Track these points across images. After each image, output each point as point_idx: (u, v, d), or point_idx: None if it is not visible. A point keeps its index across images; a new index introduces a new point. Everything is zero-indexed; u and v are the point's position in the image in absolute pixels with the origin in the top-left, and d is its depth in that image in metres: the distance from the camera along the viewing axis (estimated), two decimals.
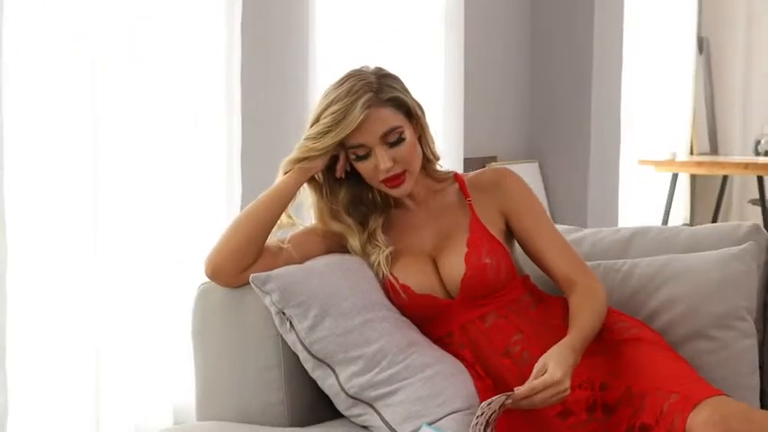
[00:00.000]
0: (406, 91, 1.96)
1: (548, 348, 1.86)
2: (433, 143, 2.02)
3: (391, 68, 3.31)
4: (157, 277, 2.79)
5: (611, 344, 1.90)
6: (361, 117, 1.87)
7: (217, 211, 2.93)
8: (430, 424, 1.77)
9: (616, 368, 1.84)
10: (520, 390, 1.70)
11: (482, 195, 2.03)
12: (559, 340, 1.87)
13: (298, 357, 1.92)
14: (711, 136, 7.90)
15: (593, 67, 4.91)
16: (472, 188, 2.04)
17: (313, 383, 1.94)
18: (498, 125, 4.71)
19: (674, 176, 6.81)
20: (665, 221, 6.60)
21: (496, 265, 1.95)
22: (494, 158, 4.73)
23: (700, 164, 6.74)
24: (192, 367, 2.82)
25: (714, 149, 7.85)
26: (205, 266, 1.96)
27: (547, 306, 2.00)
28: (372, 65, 1.99)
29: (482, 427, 1.66)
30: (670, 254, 2.15)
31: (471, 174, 2.09)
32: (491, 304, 1.95)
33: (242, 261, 1.93)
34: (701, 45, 7.83)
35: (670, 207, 6.78)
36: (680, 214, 7.27)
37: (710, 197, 7.66)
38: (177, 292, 2.84)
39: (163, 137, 2.76)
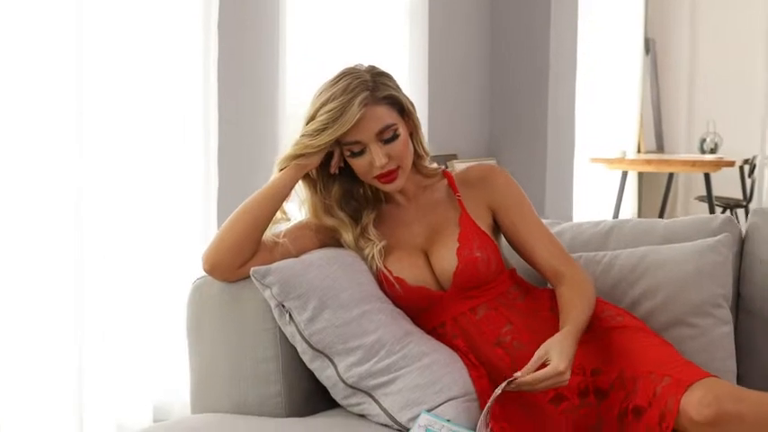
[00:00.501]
0: (399, 89, 2.02)
1: (537, 337, 1.93)
2: (424, 139, 2.08)
3: (358, 58, 3.39)
4: (137, 276, 2.80)
5: (599, 332, 1.97)
6: (358, 115, 1.92)
7: (194, 209, 2.96)
8: (428, 411, 1.82)
9: (606, 354, 1.92)
10: (524, 378, 1.77)
11: (470, 191, 2.10)
12: (548, 329, 1.95)
13: (295, 350, 1.97)
14: (658, 134, 8.07)
15: (549, 68, 5.01)
16: (461, 184, 2.11)
17: (309, 375, 1.99)
18: (458, 124, 4.79)
19: (624, 174, 6.96)
20: (616, 217, 6.75)
21: (487, 259, 2.01)
22: (454, 156, 4.81)
23: (649, 161, 6.89)
24: (175, 363, 2.90)
25: (660, 148, 8.03)
26: (203, 262, 1.99)
27: (534, 297, 2.07)
28: (366, 63, 2.03)
29: (487, 416, 1.73)
30: (648, 245, 2.24)
31: (459, 170, 2.15)
32: (481, 296, 2.01)
33: (240, 256, 1.97)
34: (648, 46, 8.00)
35: (620, 203, 6.93)
36: (629, 210, 7.44)
37: (657, 194, 7.84)
38: (157, 289, 2.86)
39: (143, 136, 2.78)
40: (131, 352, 2.78)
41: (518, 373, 1.78)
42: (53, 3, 2.48)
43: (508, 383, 1.76)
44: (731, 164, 6.65)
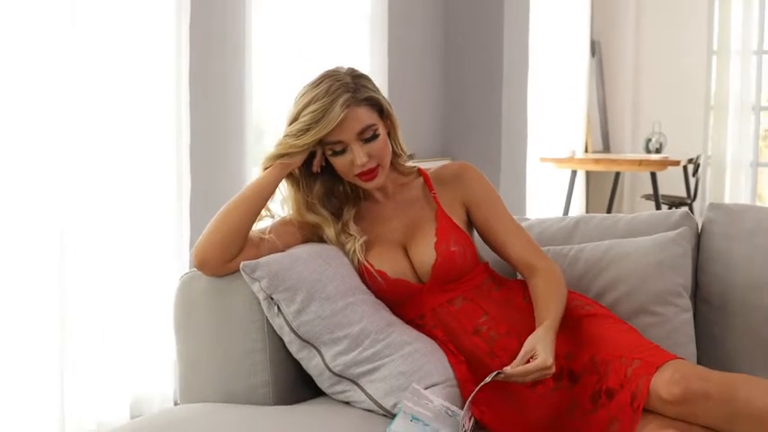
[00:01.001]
0: (378, 90, 2.12)
1: (512, 326, 2.06)
2: (402, 139, 2.18)
3: (319, 72, 3.51)
4: (113, 274, 2.86)
5: (570, 320, 2.09)
6: (341, 116, 2.01)
7: (168, 207, 3.03)
8: (417, 386, 1.91)
9: (578, 340, 2.04)
10: (513, 369, 1.88)
11: (445, 188, 2.20)
12: (522, 318, 2.07)
13: (281, 341, 2.05)
14: (604, 135, 8.27)
15: (502, 72, 5.15)
16: (436, 182, 2.21)
17: (296, 365, 2.08)
18: (416, 125, 4.90)
19: (573, 173, 7.13)
20: (566, 214, 6.91)
21: (463, 253, 2.12)
22: (411, 156, 4.91)
23: (598, 161, 7.07)
24: (151, 359, 2.96)
25: (607, 148, 8.23)
26: (193, 257, 2.07)
27: (507, 289, 2.18)
28: (346, 66, 2.13)
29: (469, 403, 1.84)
30: (612, 239, 2.36)
31: (433, 168, 2.25)
32: (458, 289, 2.12)
33: (228, 252, 2.05)
34: (594, 48, 8.19)
35: (570, 201, 7.10)
36: (578, 208, 7.61)
37: (604, 192, 8.03)
38: (133, 287, 2.93)
39: (121, 138, 2.85)
40: (108, 349, 2.84)
41: (508, 368, 1.88)
42: (36, 3, 2.53)
43: (497, 374, 1.87)
44: (676, 163, 6.86)
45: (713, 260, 2.37)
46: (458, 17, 5.08)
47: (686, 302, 2.26)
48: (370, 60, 4.12)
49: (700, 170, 7.50)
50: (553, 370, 1.91)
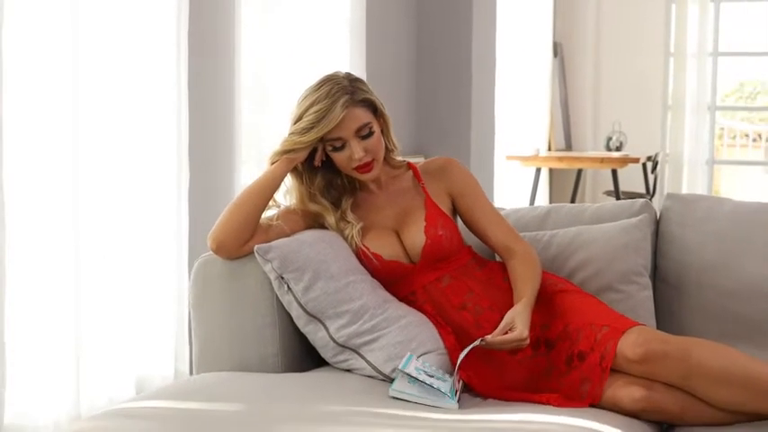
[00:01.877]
0: (372, 92, 2.37)
1: (495, 302, 2.32)
2: (393, 135, 2.43)
3: (303, 72, 3.75)
4: (118, 263, 3.08)
5: (545, 295, 2.36)
6: (341, 116, 2.27)
7: (169, 199, 3.23)
8: (415, 356, 2.17)
9: (552, 312, 2.31)
10: (494, 338, 2.14)
11: (432, 180, 2.46)
12: (502, 295, 2.34)
13: (289, 316, 2.30)
14: (566, 133, 8.56)
15: (472, 75, 5.40)
16: (424, 174, 2.47)
17: (301, 338, 2.33)
18: None
19: (538, 170, 7.42)
20: None
21: (449, 236, 2.38)
22: None
23: (561, 158, 7.36)
24: (154, 340, 3.18)
25: (569, 146, 8.52)
26: (210, 242, 2.31)
27: (489, 269, 2.44)
28: (343, 71, 2.38)
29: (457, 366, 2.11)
30: (580, 226, 2.63)
31: (422, 162, 2.52)
32: (446, 268, 2.38)
33: (241, 237, 2.30)
34: (556, 50, 8.47)
35: (534, 197, 7.39)
36: (543, 204, 7.90)
37: (567, 188, 8.32)
38: (137, 275, 3.14)
39: (126, 137, 3.06)
40: (116, 334, 3.05)
41: (489, 336, 2.15)
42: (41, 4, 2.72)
43: (480, 342, 2.13)
44: (636, 160, 7.17)
45: (670, 244, 2.65)
46: (430, 23, 5.34)
47: (647, 281, 2.53)
48: (349, 63, 4.35)
49: (658, 167, 7.82)
50: (528, 341, 2.18)
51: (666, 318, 2.59)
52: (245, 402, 2.00)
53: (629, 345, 2.10)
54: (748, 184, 9.86)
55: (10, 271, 2.61)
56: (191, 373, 3.20)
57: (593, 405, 2.11)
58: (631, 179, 7.90)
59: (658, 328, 2.52)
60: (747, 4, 8.85)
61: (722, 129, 10.10)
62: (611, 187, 7.32)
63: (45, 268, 2.79)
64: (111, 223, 3.03)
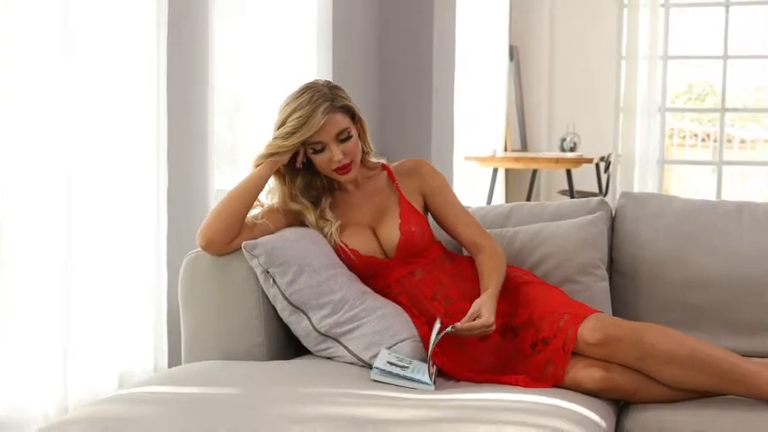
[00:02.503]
0: (350, 98, 2.55)
1: (463, 293, 2.51)
2: (369, 139, 2.61)
3: (274, 78, 3.89)
4: (103, 260, 3.21)
5: (511, 286, 2.55)
6: (322, 121, 2.44)
7: (148, 199, 3.35)
8: (387, 350, 2.35)
9: (518, 302, 2.50)
10: (462, 325, 2.33)
11: (405, 180, 2.65)
12: (470, 287, 2.53)
13: (274, 309, 2.47)
14: (522, 134, 8.78)
15: (432, 79, 5.58)
16: (397, 174, 2.65)
17: (285, 329, 2.49)
18: None
19: (495, 170, 7.62)
20: None
21: (422, 232, 2.57)
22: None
23: (518, 159, 7.57)
24: (135, 336, 3.32)
25: (524, 147, 8.74)
26: (199, 239, 2.47)
27: (457, 263, 2.63)
28: (322, 79, 2.56)
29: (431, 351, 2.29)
30: (542, 222, 2.83)
31: (395, 164, 2.70)
32: (418, 263, 2.56)
33: (229, 235, 2.47)
34: (512, 53, 8.68)
35: (492, 196, 7.59)
36: (499, 203, 8.10)
37: (523, 188, 8.55)
38: (121, 272, 3.28)
39: (109, 142, 3.18)
40: (99, 330, 3.18)
41: (458, 324, 2.33)
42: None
43: (451, 328, 2.31)
44: (590, 161, 7.40)
45: (624, 239, 2.86)
46: (392, 29, 5.51)
47: (603, 273, 2.74)
48: (317, 68, 4.52)
49: (611, 167, 8.07)
50: (494, 327, 2.37)
51: (621, 307, 2.80)
52: (236, 387, 2.16)
53: (589, 330, 2.30)
54: (696, 183, 10.15)
55: (1, 272, 2.74)
56: (169, 366, 3.34)
57: (556, 385, 2.31)
58: (585, 179, 8.13)
59: (614, 315, 2.72)
60: (696, 9, 9.13)
61: (672, 129, 10.39)
62: (566, 187, 7.54)
63: (34, 269, 2.91)
64: (97, 225, 3.16)
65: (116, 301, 3.25)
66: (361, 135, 2.58)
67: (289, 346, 2.52)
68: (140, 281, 3.36)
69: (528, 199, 8.32)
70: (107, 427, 1.97)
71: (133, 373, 3.34)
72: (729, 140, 10.17)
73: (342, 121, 2.49)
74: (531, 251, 2.74)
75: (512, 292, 2.53)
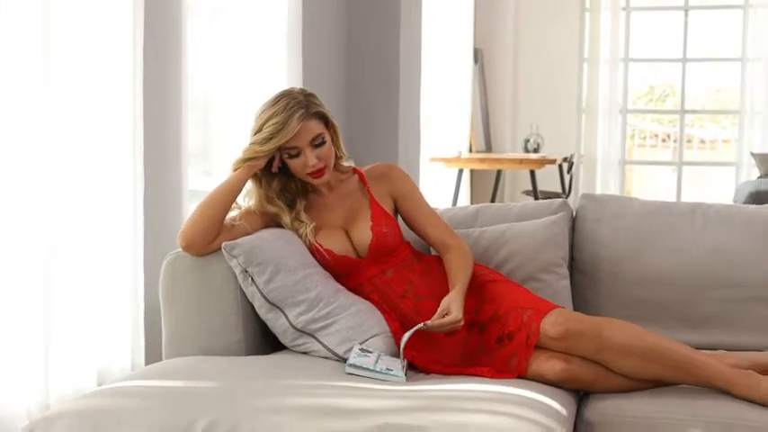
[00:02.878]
0: (324, 105, 2.66)
1: (431, 291, 2.63)
2: (342, 144, 2.72)
3: (245, 82, 4.00)
4: (81, 260, 3.30)
5: (477, 284, 2.68)
6: (297, 128, 2.55)
7: (125, 200, 3.45)
8: (360, 344, 2.47)
9: (484, 299, 2.63)
10: (433, 322, 2.45)
11: (376, 183, 2.77)
12: (438, 285, 2.65)
13: (251, 307, 2.58)
14: (486, 136, 8.94)
15: (399, 83, 5.70)
16: (369, 178, 2.77)
17: (262, 326, 2.61)
18: None
19: (460, 171, 7.77)
20: None
21: (393, 233, 2.69)
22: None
23: (483, 160, 7.72)
24: (114, 334, 3.41)
25: (489, 148, 8.90)
26: (180, 240, 2.58)
27: (426, 262, 2.76)
28: (298, 86, 2.67)
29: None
30: (507, 223, 2.96)
31: (366, 168, 2.82)
32: (389, 262, 2.69)
33: (208, 236, 2.58)
34: (476, 56, 8.84)
35: (457, 197, 7.73)
36: (464, 203, 8.26)
37: (488, 188, 8.70)
38: (99, 273, 3.37)
39: (87, 147, 3.28)
40: (79, 329, 3.28)
41: (429, 321, 2.46)
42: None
43: (422, 326, 2.44)
44: (553, 161, 7.57)
45: (585, 239, 3.00)
46: (360, 35, 5.62)
47: (565, 271, 2.88)
48: (287, 74, 4.63)
49: (573, 168, 8.24)
50: (462, 323, 2.50)
51: (582, 303, 2.94)
52: (216, 380, 2.27)
53: (551, 324, 2.44)
54: (657, 183, 10.37)
55: None
56: (146, 364, 3.44)
57: (520, 377, 2.44)
58: (548, 179, 8.31)
59: (575, 311, 2.86)
60: (656, 13, 9.34)
61: (634, 130, 10.60)
62: (530, 187, 7.70)
63: (15, 270, 3.00)
64: (76, 227, 3.25)
65: (95, 301, 3.35)
66: (335, 140, 2.70)
67: (266, 342, 2.64)
68: (118, 281, 3.45)
69: (493, 199, 8.48)
70: (94, 420, 2.07)
71: (111, 371, 3.44)
72: (689, 141, 10.40)
73: (316, 127, 2.61)
74: (496, 250, 2.87)
75: (478, 289, 2.66)
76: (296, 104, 2.58)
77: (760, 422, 2.26)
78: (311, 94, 2.66)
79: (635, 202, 3.07)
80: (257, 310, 2.58)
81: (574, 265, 3.01)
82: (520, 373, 2.45)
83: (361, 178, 2.78)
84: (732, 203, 2.99)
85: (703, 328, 2.86)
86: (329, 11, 5.38)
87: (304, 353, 2.57)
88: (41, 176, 3.06)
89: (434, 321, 2.48)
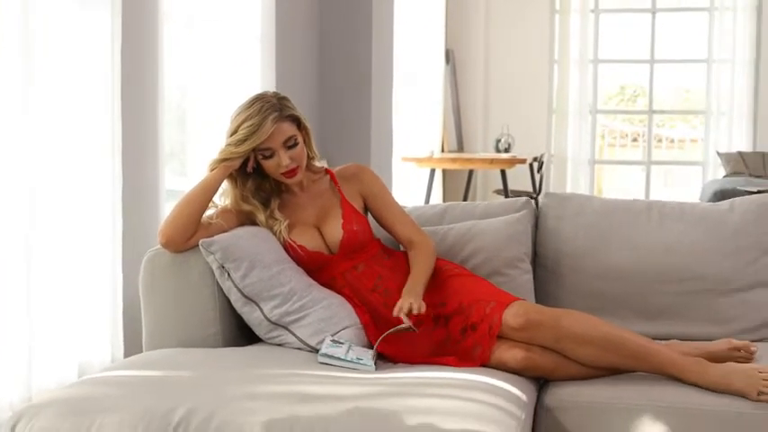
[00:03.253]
0: (296, 108, 2.79)
1: (401, 286, 2.77)
2: (314, 145, 2.85)
3: (221, 82, 4.11)
4: (62, 259, 3.40)
5: (443, 278, 2.82)
6: (271, 130, 2.68)
7: (104, 200, 3.55)
8: (332, 336, 2.60)
9: (449, 292, 2.76)
10: (408, 323, 2.59)
11: (347, 183, 2.90)
12: (406, 279, 2.77)
13: (228, 302, 2.70)
14: (458, 136, 9.08)
15: (371, 84, 5.82)
16: (340, 178, 2.90)
17: (238, 320, 2.73)
18: None
19: (432, 171, 7.90)
20: None
21: (363, 231, 2.82)
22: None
23: (454, 160, 7.86)
24: (94, 329, 3.52)
25: (461, 148, 9.04)
26: (160, 237, 2.70)
27: (395, 258, 2.89)
28: (271, 90, 2.80)
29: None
30: (473, 220, 3.10)
31: (337, 168, 2.95)
32: (359, 258, 2.82)
33: (186, 233, 2.69)
34: (448, 57, 8.98)
35: (429, 196, 7.87)
36: (437, 202, 8.38)
37: (460, 187, 8.85)
38: (80, 270, 3.48)
39: (69, 150, 3.38)
40: (61, 323, 3.38)
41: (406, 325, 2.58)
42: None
43: (401, 328, 2.57)
44: (523, 161, 7.71)
45: (547, 235, 3.15)
46: (332, 38, 5.73)
47: (528, 266, 3.02)
48: (261, 77, 4.75)
49: (543, 167, 8.39)
50: (423, 308, 2.61)
51: (544, 296, 3.08)
52: (195, 370, 2.39)
53: (512, 315, 2.57)
54: (628, 181, 10.55)
55: None
56: (125, 357, 3.55)
57: (483, 365, 2.58)
58: (520, 178, 8.45)
59: (537, 304, 2.99)
60: (624, 15, 9.51)
61: (605, 128, 10.77)
62: (501, 186, 7.84)
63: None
64: (57, 226, 3.35)
65: (76, 298, 3.45)
66: (307, 142, 2.82)
67: (242, 334, 2.76)
68: (98, 277, 3.56)
69: (465, 198, 8.62)
70: (78, 408, 2.17)
71: (92, 365, 3.55)
72: (660, 140, 10.59)
73: (289, 129, 2.73)
74: (462, 246, 3.00)
75: (444, 283, 2.79)
76: (269, 107, 2.70)
77: (707, 405, 2.41)
78: (284, 98, 2.78)
79: (595, 201, 3.21)
80: (233, 303, 2.70)
81: (537, 260, 3.15)
82: (483, 362, 2.58)
83: (333, 178, 2.91)
84: (685, 202, 3.14)
85: (658, 320, 3.00)
86: (302, 14, 5.50)
87: (278, 344, 2.69)
88: (23, 176, 3.16)
89: (407, 323, 2.59)
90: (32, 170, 3.22)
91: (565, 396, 2.50)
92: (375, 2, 5.75)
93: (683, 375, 2.50)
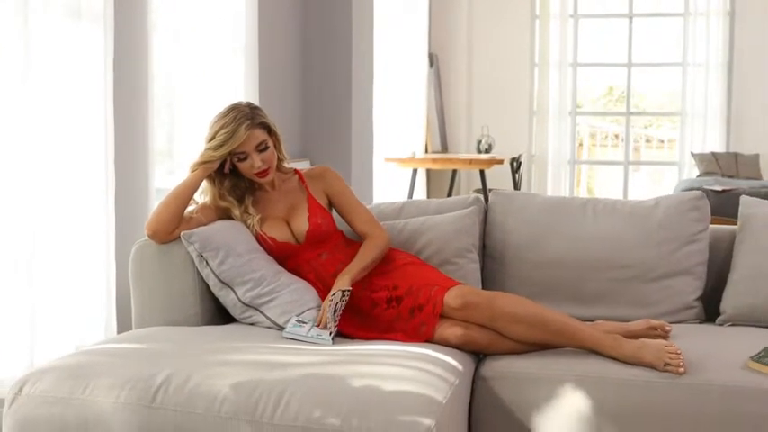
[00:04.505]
0: (268, 116, 3.16)
1: None
2: (284, 149, 3.22)
3: (206, 94, 4.43)
4: (62, 249, 3.75)
5: (397, 265, 3.18)
6: (245, 136, 3.05)
7: (98, 196, 3.88)
8: (297, 316, 2.97)
9: (402, 277, 3.12)
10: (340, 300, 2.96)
11: (313, 182, 3.27)
12: None
13: (207, 286, 3.07)
14: (442, 137, 9.38)
15: (351, 88, 6.08)
16: (307, 178, 3.28)
17: (215, 302, 3.10)
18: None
19: (415, 171, 8.22)
20: None
21: (326, 224, 3.19)
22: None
23: (435, 160, 8.17)
24: (90, 314, 3.87)
25: (444, 148, 9.34)
26: (146, 230, 3.07)
27: (355, 248, 3.25)
28: (245, 101, 3.16)
29: (332, 311, 2.90)
30: (427, 215, 3.47)
31: (305, 169, 3.31)
32: (323, 247, 3.19)
33: (170, 226, 3.07)
34: (432, 60, 9.28)
35: (412, 196, 8.18)
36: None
37: (443, 187, 9.16)
38: (77, 260, 3.83)
39: (67, 149, 3.72)
40: (60, 307, 3.73)
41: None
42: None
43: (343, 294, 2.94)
44: (501, 162, 8.01)
45: (495, 228, 3.51)
46: (313, 44, 6.00)
47: (475, 257, 3.38)
48: (244, 81, 5.10)
49: (522, 167, 8.70)
50: (349, 291, 2.96)
51: (492, 283, 3.45)
52: (179, 343, 2.76)
53: (452, 297, 2.94)
54: (612, 181, 10.83)
55: None
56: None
57: (428, 341, 2.94)
58: (501, 178, 8.75)
59: (485, 290, 3.36)
60: (602, 19, 9.81)
61: (595, 128, 11.09)
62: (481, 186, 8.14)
63: (3, 259, 3.45)
64: (56, 220, 3.70)
65: (73, 284, 3.80)
66: (277, 146, 3.20)
67: (219, 315, 3.13)
68: (93, 266, 3.91)
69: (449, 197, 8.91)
70: (75, 373, 2.54)
71: (87, 343, 3.90)
72: (648, 141, 10.91)
73: (260, 135, 3.11)
74: (416, 238, 3.37)
75: (398, 269, 3.16)
76: (243, 116, 3.07)
77: (621, 375, 2.76)
78: (256, 107, 3.15)
79: (538, 198, 3.58)
80: (211, 288, 3.07)
81: (485, 251, 3.51)
82: (428, 338, 2.94)
83: (301, 178, 3.28)
84: (618, 199, 3.51)
85: (591, 304, 3.37)
86: (283, 22, 5.77)
87: (251, 324, 3.06)
88: (26, 175, 3.49)
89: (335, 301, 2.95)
90: (36, 172, 3.55)
91: (499, 368, 2.85)
92: (355, 8, 5.97)
93: (602, 350, 2.85)
